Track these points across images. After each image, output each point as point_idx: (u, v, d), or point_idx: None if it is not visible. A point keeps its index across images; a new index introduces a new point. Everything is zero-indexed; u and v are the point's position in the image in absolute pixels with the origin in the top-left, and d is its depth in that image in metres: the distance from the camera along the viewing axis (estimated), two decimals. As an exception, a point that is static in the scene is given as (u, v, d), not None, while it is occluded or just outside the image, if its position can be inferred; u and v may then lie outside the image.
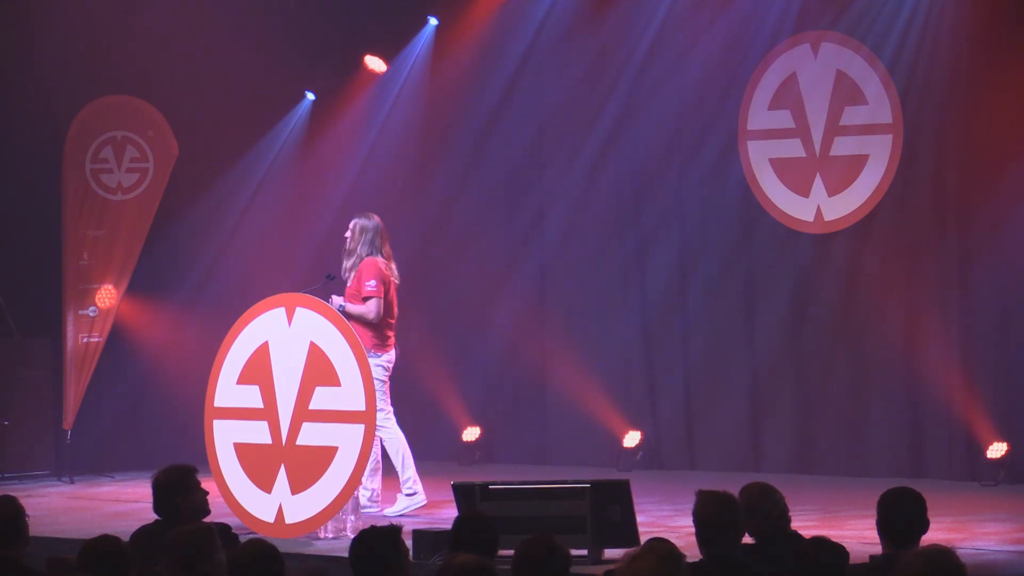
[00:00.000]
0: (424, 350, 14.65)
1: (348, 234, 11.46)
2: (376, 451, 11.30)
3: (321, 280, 11.30)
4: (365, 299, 11.27)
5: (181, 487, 7.24)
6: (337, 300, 11.19)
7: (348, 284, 11.39)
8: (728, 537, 6.15)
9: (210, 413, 10.71)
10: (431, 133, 15.03)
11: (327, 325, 10.35)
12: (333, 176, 15.19)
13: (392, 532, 5.67)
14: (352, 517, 10.40)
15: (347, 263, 11.44)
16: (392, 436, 11.43)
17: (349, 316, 11.00)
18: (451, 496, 9.73)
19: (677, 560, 4.92)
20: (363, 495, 11.19)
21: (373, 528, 5.72)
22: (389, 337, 11.43)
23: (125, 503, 12.61)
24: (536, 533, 5.62)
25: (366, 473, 11.17)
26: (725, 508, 6.16)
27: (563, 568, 5.56)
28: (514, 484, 9.88)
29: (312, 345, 10.36)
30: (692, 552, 5.91)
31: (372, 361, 11.00)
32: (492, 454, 14.70)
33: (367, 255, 11.38)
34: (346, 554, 5.70)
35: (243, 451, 10.55)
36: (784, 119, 13.49)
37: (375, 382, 11.06)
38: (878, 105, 13.10)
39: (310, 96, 15.20)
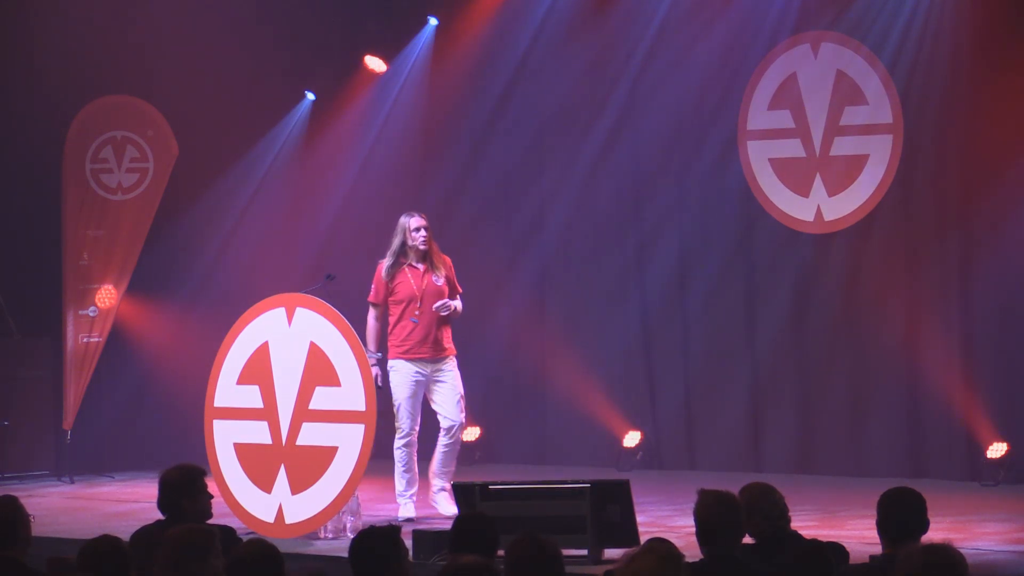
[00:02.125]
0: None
1: (424, 233, 11.14)
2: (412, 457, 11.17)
3: (321, 280, 11.28)
4: (456, 296, 11.29)
5: (188, 489, 7.23)
6: (452, 303, 11.10)
7: (439, 282, 11.15)
8: (729, 537, 6.15)
9: (210, 413, 10.71)
10: (431, 133, 15.04)
11: (327, 325, 10.35)
12: (333, 176, 15.20)
13: (391, 532, 5.69)
14: (352, 517, 10.40)
15: (430, 262, 11.16)
16: None
17: (451, 316, 11.16)
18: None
19: (677, 560, 4.92)
20: (408, 506, 11.08)
21: (372, 528, 5.73)
22: None
23: (125, 503, 12.61)
24: (521, 533, 5.61)
25: (403, 484, 11.05)
26: (726, 508, 6.16)
27: (557, 564, 5.55)
28: (514, 484, 9.88)
29: (312, 345, 10.35)
30: (692, 552, 5.92)
31: (457, 360, 11.13)
32: (492, 454, 14.70)
33: (439, 250, 11.30)
34: (346, 554, 5.71)
35: (243, 451, 10.55)
36: (784, 119, 13.49)
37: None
38: (878, 105, 13.10)
39: (310, 96, 15.20)
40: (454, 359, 11.14)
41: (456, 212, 14.90)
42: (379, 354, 11.07)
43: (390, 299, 11.14)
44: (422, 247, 11.09)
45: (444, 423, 11.13)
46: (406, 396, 11.00)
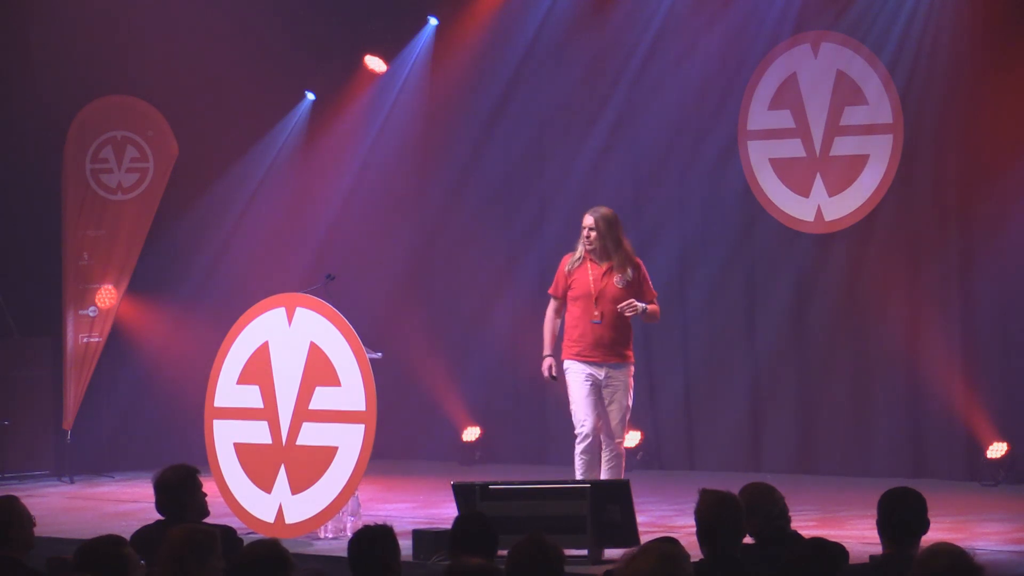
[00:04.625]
0: (424, 350, 14.65)
1: (590, 232, 10.42)
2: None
3: (321, 280, 11.25)
4: (652, 300, 10.60)
5: (187, 487, 7.25)
6: (639, 305, 10.42)
7: (620, 284, 10.45)
8: (730, 537, 6.15)
9: (210, 413, 10.70)
10: (431, 133, 15.04)
11: (327, 325, 10.34)
12: (333, 176, 15.20)
13: (388, 531, 5.75)
14: (352, 517, 10.39)
15: (614, 263, 10.46)
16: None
17: (645, 317, 10.55)
18: (451, 496, 9.73)
19: (677, 560, 4.91)
20: None
21: (368, 528, 5.79)
22: None
23: (125, 503, 12.61)
24: (527, 534, 5.62)
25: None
26: (727, 508, 6.16)
27: (558, 566, 5.56)
28: (514, 484, 9.87)
29: (312, 345, 10.35)
30: (692, 552, 5.91)
31: (633, 369, 10.55)
32: (492, 454, 14.70)
33: (628, 251, 10.57)
34: (346, 554, 5.72)
35: (243, 451, 10.55)
36: (784, 119, 13.49)
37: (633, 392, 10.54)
38: (878, 105, 13.10)
39: (310, 96, 15.20)
40: (629, 367, 10.52)
41: (456, 212, 14.90)
42: (379, 354, 10.96)
43: (568, 294, 10.60)
44: (588, 247, 10.46)
45: (603, 437, 10.51)
46: (581, 396, 10.42)
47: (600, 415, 10.46)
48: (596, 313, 10.44)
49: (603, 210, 10.53)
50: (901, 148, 13.03)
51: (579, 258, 10.55)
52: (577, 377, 10.49)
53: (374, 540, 5.74)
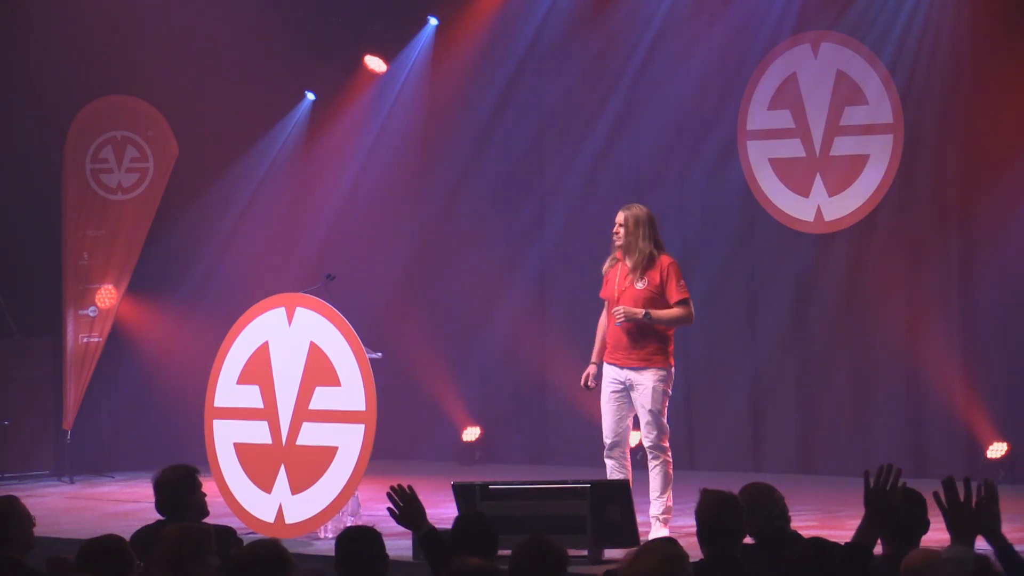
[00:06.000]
0: (424, 350, 14.65)
1: (618, 229, 10.16)
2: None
3: (321, 280, 11.25)
4: (679, 302, 10.20)
5: (188, 486, 7.26)
6: (629, 311, 10.06)
7: (639, 285, 10.16)
8: (730, 537, 6.16)
9: (210, 413, 10.71)
10: (431, 133, 15.03)
11: (327, 325, 10.35)
12: (333, 176, 15.20)
13: (371, 531, 5.83)
14: (352, 517, 10.40)
15: (637, 263, 10.14)
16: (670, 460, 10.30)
17: (654, 323, 10.08)
18: (451, 496, 9.73)
19: (678, 560, 4.90)
20: (655, 509, 10.13)
21: (353, 528, 5.87)
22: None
23: (125, 503, 12.61)
24: (530, 535, 5.62)
25: (657, 491, 10.16)
26: (728, 508, 6.16)
27: (559, 568, 5.56)
28: (514, 484, 9.89)
29: (312, 345, 10.35)
30: (693, 552, 5.91)
31: (663, 373, 10.15)
32: (492, 454, 14.70)
33: (655, 251, 10.22)
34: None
35: (243, 451, 10.55)
36: (784, 119, 13.49)
37: (667, 398, 10.18)
38: (878, 105, 13.10)
39: (310, 96, 15.20)
40: (655, 371, 10.12)
41: (456, 212, 14.90)
42: (379, 354, 10.94)
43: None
44: (616, 243, 10.22)
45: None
46: (603, 403, 10.26)
47: (624, 420, 10.29)
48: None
49: (635, 208, 10.24)
50: (901, 148, 13.03)
51: (613, 257, 10.36)
52: (602, 383, 10.32)
53: (359, 539, 5.79)
